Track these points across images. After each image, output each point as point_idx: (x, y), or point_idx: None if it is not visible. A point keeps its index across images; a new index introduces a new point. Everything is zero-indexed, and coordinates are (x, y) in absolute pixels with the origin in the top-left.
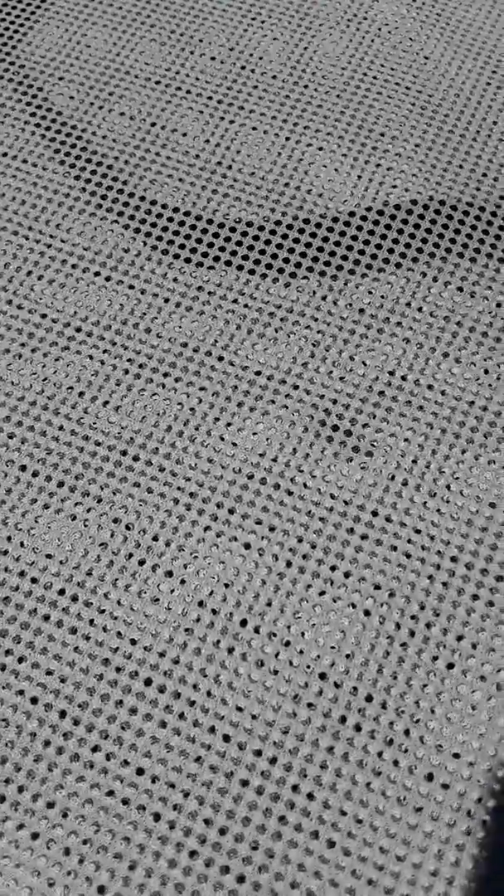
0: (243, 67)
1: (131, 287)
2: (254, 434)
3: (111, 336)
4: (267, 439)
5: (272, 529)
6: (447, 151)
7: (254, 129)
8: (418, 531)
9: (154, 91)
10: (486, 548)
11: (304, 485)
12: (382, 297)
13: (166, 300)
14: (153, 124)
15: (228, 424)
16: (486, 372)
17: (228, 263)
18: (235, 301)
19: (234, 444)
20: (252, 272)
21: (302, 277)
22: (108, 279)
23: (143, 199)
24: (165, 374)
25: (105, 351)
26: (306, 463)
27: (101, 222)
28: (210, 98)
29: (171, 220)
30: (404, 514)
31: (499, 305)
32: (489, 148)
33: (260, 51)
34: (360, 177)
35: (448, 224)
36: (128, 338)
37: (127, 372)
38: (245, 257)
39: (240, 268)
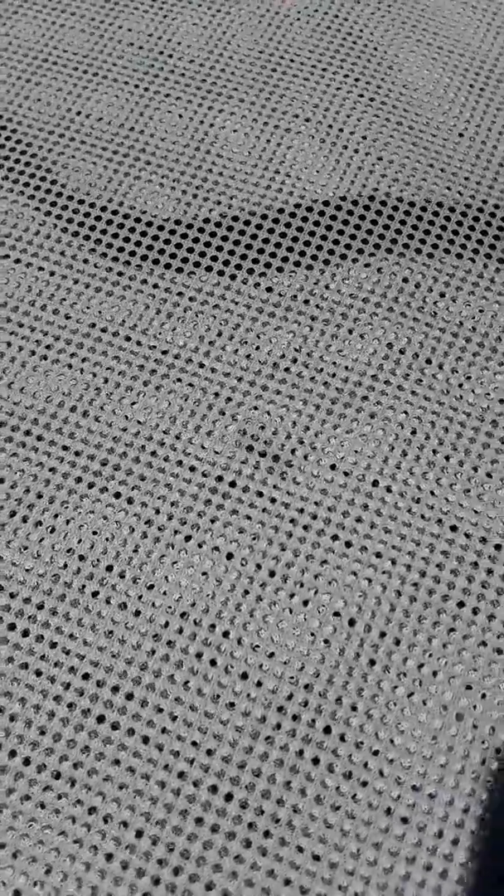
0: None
1: (40, 269)
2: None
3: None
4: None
5: (207, 518)
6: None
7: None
8: (343, 527)
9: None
10: (411, 543)
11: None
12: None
13: (86, 285)
14: (78, 112)
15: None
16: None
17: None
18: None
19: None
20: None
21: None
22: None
23: (61, 184)
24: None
25: (12, 333)
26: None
27: (23, 209)
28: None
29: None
30: (329, 512)
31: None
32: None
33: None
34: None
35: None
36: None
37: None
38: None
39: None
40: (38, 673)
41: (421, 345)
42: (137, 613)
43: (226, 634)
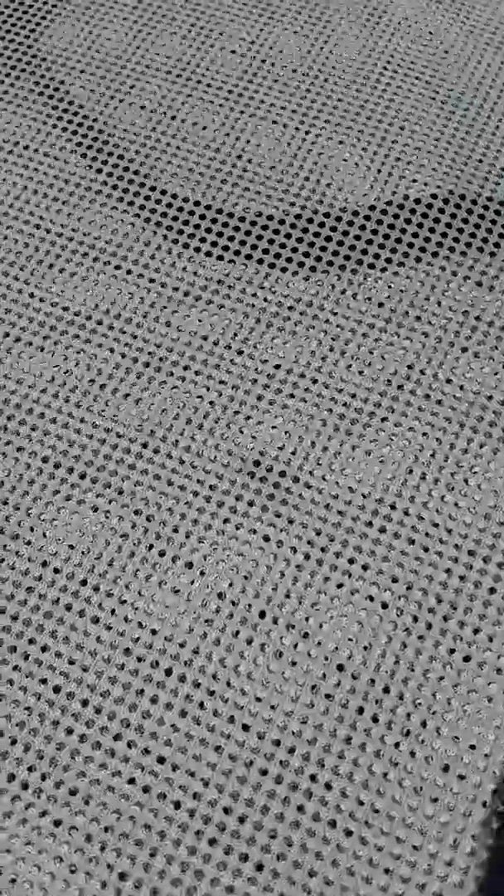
0: (263, 61)
1: (151, 280)
2: (273, 427)
3: (132, 329)
4: (285, 433)
5: (290, 522)
6: (467, 145)
7: (273, 122)
8: (436, 525)
9: (174, 84)
10: (490, 536)
11: (323, 477)
12: (402, 290)
13: (186, 293)
14: (173, 117)
15: (248, 418)
16: None
17: (249, 257)
18: (255, 295)
19: (254, 437)
20: (272, 265)
21: (322, 271)
22: (128, 272)
23: (163, 192)
24: (185, 368)
25: (126, 344)
26: (324, 455)
27: (122, 215)
28: (230, 91)
29: (191, 213)
30: (422, 508)
31: None
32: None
33: (280, 45)
34: (379, 170)
35: (468, 218)
36: (148, 331)
37: (148, 365)
38: (265, 251)
39: (260, 261)
40: (140, 659)
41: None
42: (234, 603)
43: (321, 626)
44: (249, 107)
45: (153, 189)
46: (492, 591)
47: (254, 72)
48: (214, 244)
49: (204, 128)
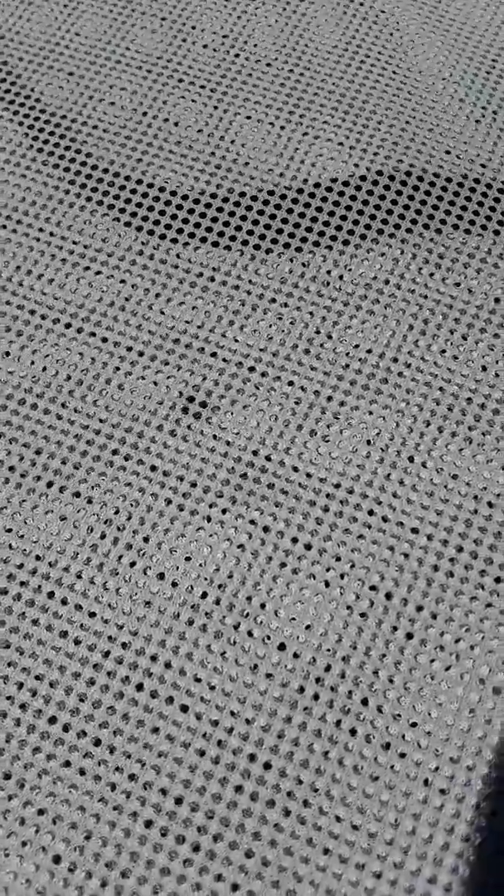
0: (237, 55)
1: (104, 263)
2: (230, 413)
3: (83, 317)
4: (243, 418)
5: (233, 502)
6: (424, 125)
7: (249, 115)
8: (379, 502)
9: (146, 79)
10: (448, 519)
11: (281, 462)
12: (361, 273)
13: (140, 277)
14: (144, 113)
15: (203, 404)
16: (462, 350)
17: (204, 240)
18: (212, 279)
19: (209, 422)
20: (228, 248)
21: (278, 253)
22: (81, 256)
23: (116, 173)
24: (140, 353)
25: (80, 330)
26: (281, 441)
27: (76, 199)
28: (205, 83)
29: (145, 195)
30: (366, 487)
31: (474, 288)
32: (459, 119)
33: (254, 38)
34: (339, 150)
35: (426, 199)
36: (113, 320)
37: (100, 350)
38: (220, 233)
39: (215, 244)
40: (77, 642)
41: (469, 328)
42: (175, 585)
43: (263, 606)
44: (225, 97)
45: (95, 168)
46: (435, 567)
47: (227, 66)
48: (168, 227)
49: (175, 124)
